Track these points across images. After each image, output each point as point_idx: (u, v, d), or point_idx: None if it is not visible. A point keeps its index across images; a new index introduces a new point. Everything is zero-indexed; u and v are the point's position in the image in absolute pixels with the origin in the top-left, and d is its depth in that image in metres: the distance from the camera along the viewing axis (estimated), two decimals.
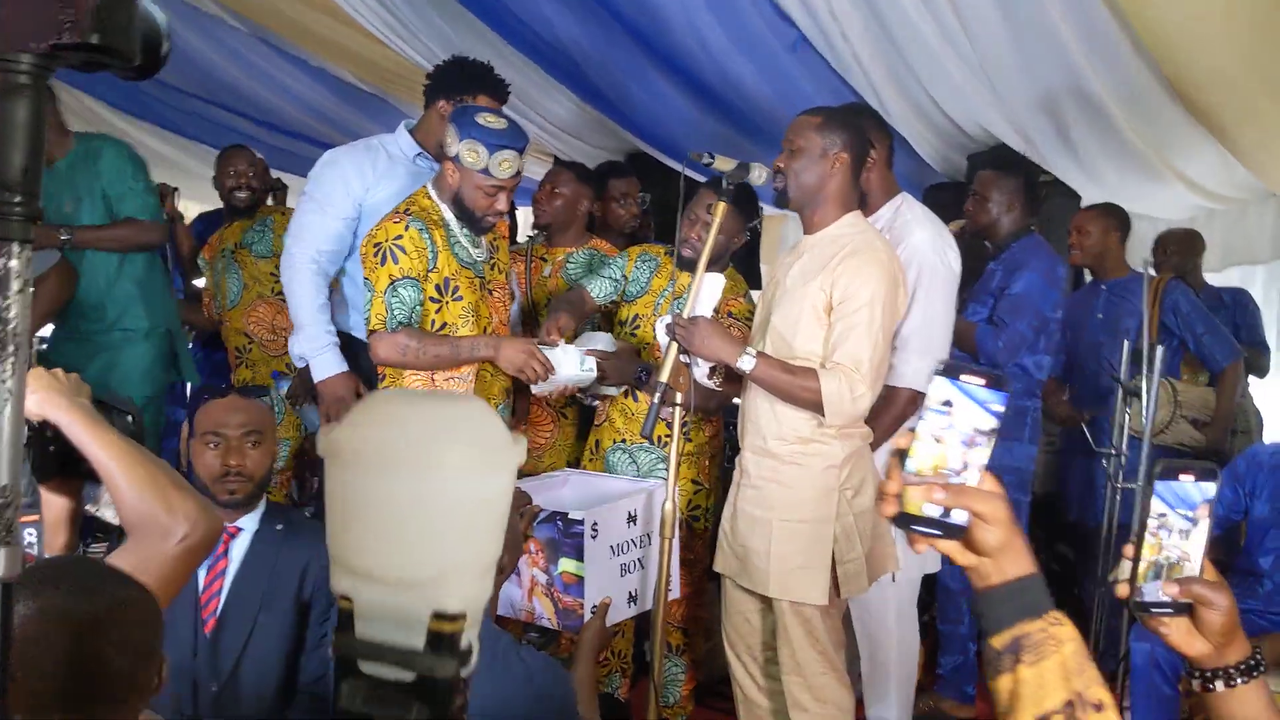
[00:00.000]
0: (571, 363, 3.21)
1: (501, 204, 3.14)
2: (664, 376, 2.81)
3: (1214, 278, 5.27)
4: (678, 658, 3.64)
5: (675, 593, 3.03)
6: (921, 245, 3.22)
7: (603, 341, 3.43)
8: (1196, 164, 4.61)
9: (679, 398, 2.85)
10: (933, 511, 1.14)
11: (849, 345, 2.78)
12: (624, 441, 3.57)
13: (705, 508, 3.58)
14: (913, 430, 1.14)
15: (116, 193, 4.02)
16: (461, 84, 3.52)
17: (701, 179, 3.89)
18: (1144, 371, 3.75)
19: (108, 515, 1.82)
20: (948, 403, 1.12)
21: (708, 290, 3.02)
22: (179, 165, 7.44)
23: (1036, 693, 1.11)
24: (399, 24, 5.00)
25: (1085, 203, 5.21)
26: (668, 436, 2.99)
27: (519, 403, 3.66)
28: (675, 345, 2.83)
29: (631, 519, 2.88)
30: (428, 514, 0.71)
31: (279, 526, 2.70)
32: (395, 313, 3.06)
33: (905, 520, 1.15)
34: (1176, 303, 4.46)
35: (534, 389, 3.30)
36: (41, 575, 1.37)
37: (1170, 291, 4.49)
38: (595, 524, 2.71)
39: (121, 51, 0.91)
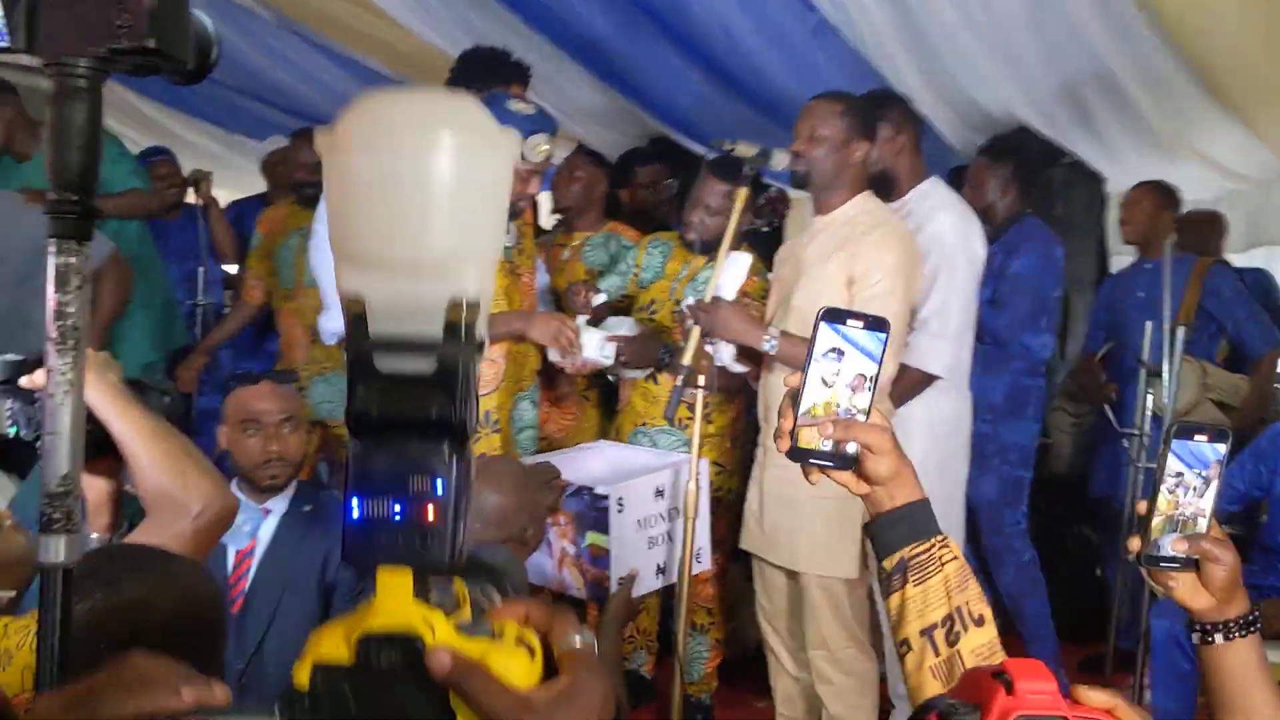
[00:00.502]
0: (593, 344, 3.30)
1: (533, 188, 3.24)
2: (686, 359, 2.88)
3: (1237, 259, 5.27)
4: (703, 635, 3.72)
5: (705, 564, 3.11)
6: (944, 230, 3.31)
7: (625, 326, 3.52)
8: (1218, 144, 4.63)
9: (701, 380, 2.92)
10: (826, 445, 1.24)
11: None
12: (644, 425, 3.64)
13: (728, 489, 3.65)
14: (803, 372, 1.24)
15: (104, 171, 4.13)
16: (488, 74, 3.61)
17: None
18: (1166, 352, 3.80)
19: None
20: (835, 349, 1.23)
21: (732, 272, 3.08)
22: (205, 151, 7.54)
23: (921, 608, 1.21)
24: (424, 11, 5.07)
25: (1111, 184, 5.25)
26: (689, 419, 3.07)
27: (557, 386, 3.76)
28: (696, 329, 2.90)
29: (659, 493, 2.95)
30: (432, 192, 0.70)
31: (307, 508, 2.77)
32: None
33: (801, 454, 1.25)
34: (1219, 287, 4.48)
35: (552, 357, 3.39)
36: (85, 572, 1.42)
37: (1213, 275, 4.51)
38: (621, 499, 2.77)
39: (175, 57, 0.95)
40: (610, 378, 3.83)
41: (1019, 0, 3.74)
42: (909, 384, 3.24)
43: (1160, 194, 4.57)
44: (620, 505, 2.77)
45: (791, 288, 3.03)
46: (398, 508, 0.71)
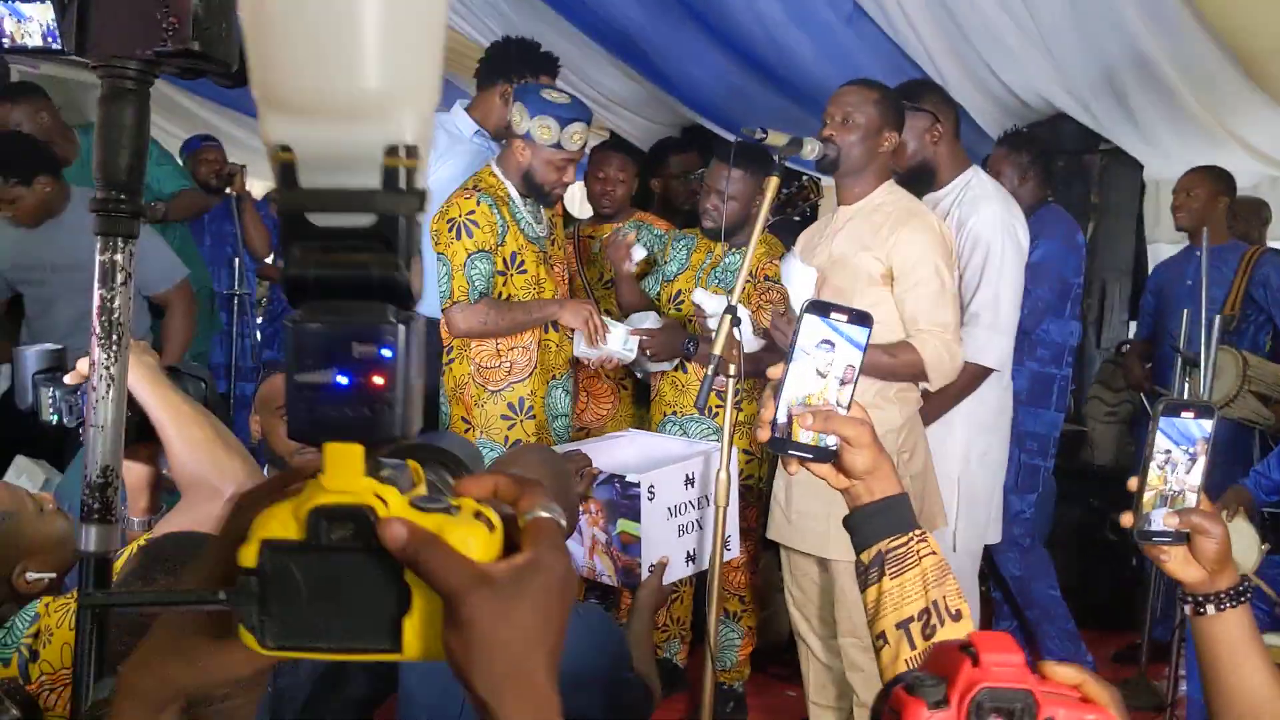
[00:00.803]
0: (617, 337, 3.35)
1: (569, 176, 3.30)
2: (717, 349, 2.89)
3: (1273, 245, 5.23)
4: (735, 623, 3.74)
5: (735, 552, 3.14)
6: (989, 221, 3.30)
7: (650, 320, 3.56)
8: (1259, 130, 4.59)
9: (731, 369, 2.94)
10: (806, 437, 1.26)
11: (932, 311, 2.90)
12: (675, 413, 3.67)
13: (759, 476, 3.67)
14: (786, 363, 1.26)
15: (151, 175, 4.30)
16: (520, 65, 3.66)
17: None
18: (1203, 341, 3.78)
19: None
20: (819, 338, 1.25)
21: (800, 281, 3.09)
22: (244, 144, 7.62)
23: (897, 601, 1.23)
24: (457, 2, 5.11)
25: (1149, 172, 5.22)
26: (719, 407, 3.09)
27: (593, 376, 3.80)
28: (728, 318, 2.90)
29: (689, 481, 2.97)
30: (359, 20, 0.63)
31: None
32: (476, 284, 3.21)
33: (781, 445, 1.27)
34: (1268, 276, 4.40)
35: (577, 351, 3.43)
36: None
37: (1262, 264, 4.42)
38: (651, 486, 2.79)
39: (219, 59, 0.97)
40: (638, 374, 3.86)
41: None
42: (965, 379, 3.21)
43: (1215, 180, 4.46)
44: (651, 493, 2.80)
45: (822, 279, 3.05)
46: (342, 377, 0.67)
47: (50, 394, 1.73)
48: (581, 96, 5.02)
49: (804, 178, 4.97)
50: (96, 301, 0.97)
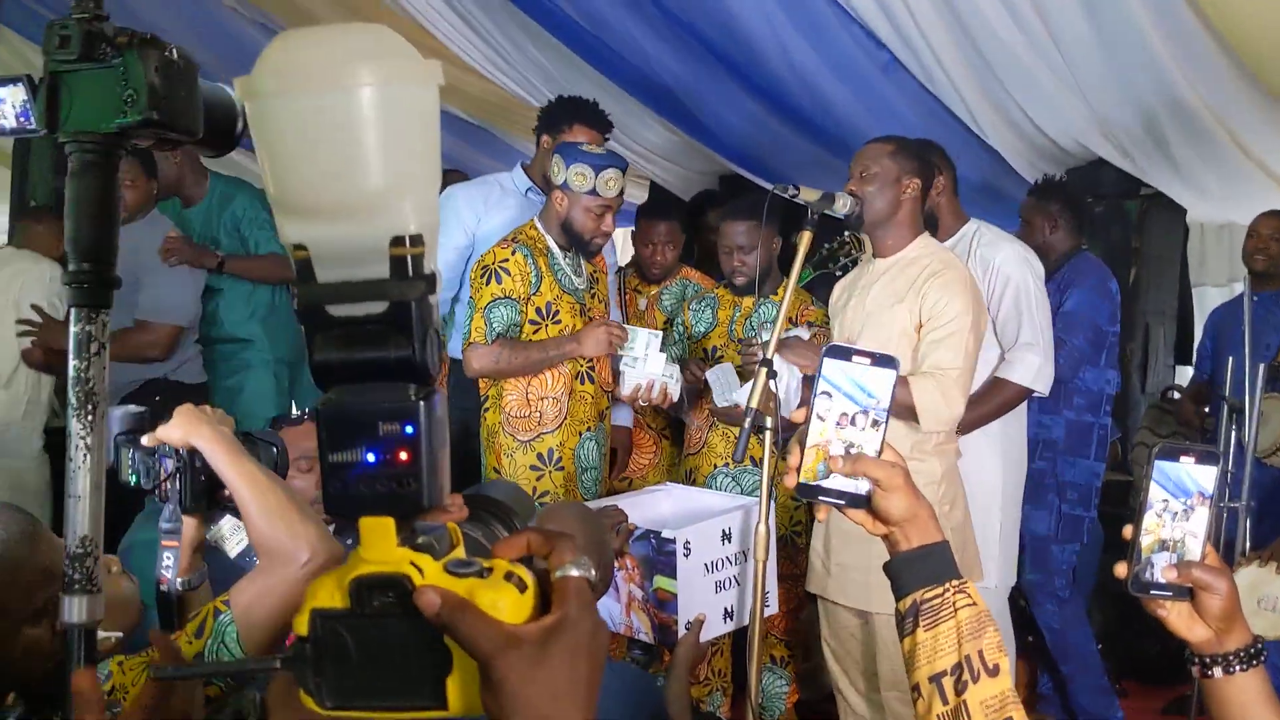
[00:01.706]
0: (641, 341, 3.38)
1: (608, 225, 3.36)
2: (753, 401, 2.86)
3: None
4: (782, 669, 3.69)
5: (773, 608, 3.10)
6: (1012, 258, 3.39)
7: (657, 339, 3.57)
8: None
9: (768, 421, 2.91)
10: (836, 483, 1.24)
11: (937, 353, 2.91)
12: (727, 465, 3.66)
13: (806, 523, 3.64)
14: (811, 408, 1.24)
15: (251, 233, 4.34)
16: (561, 117, 3.76)
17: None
18: (1247, 388, 3.70)
19: (227, 547, 1.95)
20: (842, 383, 1.24)
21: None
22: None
23: (931, 654, 1.19)
24: (501, 60, 5.18)
25: (1191, 215, 5.14)
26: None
27: (618, 447, 3.81)
28: (763, 370, 2.88)
29: (726, 537, 2.94)
30: (356, 129, 0.68)
31: (349, 541, 2.81)
32: (494, 325, 3.26)
33: (810, 491, 1.25)
34: None
35: (621, 391, 3.44)
36: None
37: None
38: (688, 542, 2.78)
39: (183, 128, 0.99)
40: (682, 417, 3.84)
41: (1088, 29, 3.72)
42: (1008, 397, 3.31)
43: None
44: (687, 549, 2.78)
45: (857, 331, 3.04)
46: (370, 455, 0.72)
47: (130, 455, 1.78)
48: (622, 150, 5.07)
49: (845, 232, 4.95)
50: (71, 373, 0.99)
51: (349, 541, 0.84)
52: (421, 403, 0.72)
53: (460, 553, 0.77)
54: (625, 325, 3.44)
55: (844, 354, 1.25)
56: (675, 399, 3.52)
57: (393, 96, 0.69)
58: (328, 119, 0.68)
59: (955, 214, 3.54)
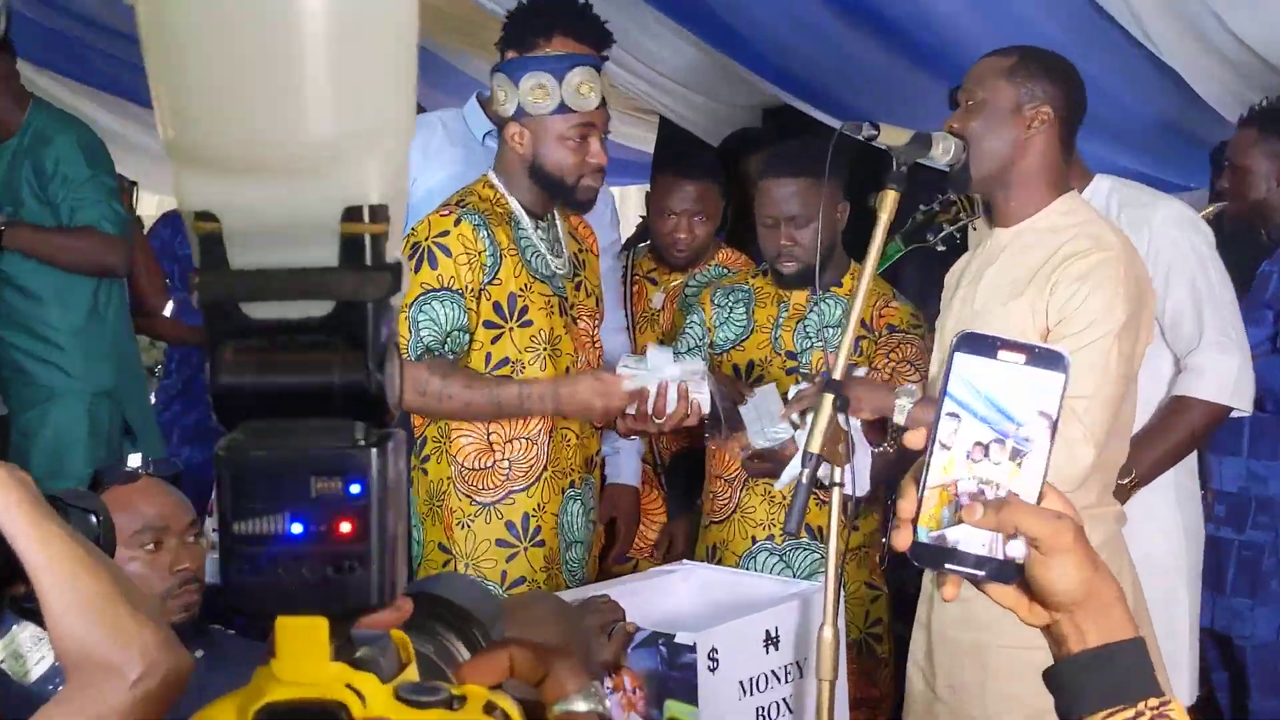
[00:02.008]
0: (661, 358, 3.21)
1: (595, 153, 3.27)
2: (814, 446, 2.80)
3: None
4: None
5: None
6: (1175, 222, 3.42)
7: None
8: None
9: (837, 475, 2.86)
10: (972, 542, 1.16)
11: (1076, 397, 2.82)
12: (771, 538, 3.63)
13: (888, 621, 3.62)
14: (935, 429, 1.16)
15: (64, 195, 4.23)
16: (535, 25, 3.51)
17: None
18: None
19: (25, 666, 1.94)
20: (982, 393, 1.15)
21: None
22: (133, 144, 7.79)
23: None
24: None
25: None
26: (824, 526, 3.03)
27: (619, 514, 3.82)
28: (830, 399, 2.82)
29: (771, 641, 2.92)
30: (300, 45, 0.65)
31: (198, 654, 2.79)
32: (422, 334, 3.17)
33: (932, 556, 1.18)
34: None
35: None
36: None
37: None
38: (714, 649, 2.75)
39: None
40: (717, 443, 3.80)
41: None
42: (1197, 422, 3.34)
43: None
44: (713, 660, 2.75)
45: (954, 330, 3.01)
46: (296, 525, 0.70)
47: None
48: (628, 73, 5.06)
49: (949, 191, 4.94)
50: None
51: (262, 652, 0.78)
52: (374, 450, 0.71)
53: (413, 673, 0.76)
54: (630, 360, 3.23)
55: (984, 347, 1.17)
56: (706, 410, 3.36)
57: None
58: (257, 24, 0.65)
59: (1075, 171, 3.40)
